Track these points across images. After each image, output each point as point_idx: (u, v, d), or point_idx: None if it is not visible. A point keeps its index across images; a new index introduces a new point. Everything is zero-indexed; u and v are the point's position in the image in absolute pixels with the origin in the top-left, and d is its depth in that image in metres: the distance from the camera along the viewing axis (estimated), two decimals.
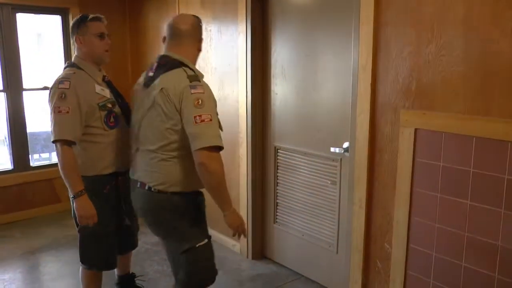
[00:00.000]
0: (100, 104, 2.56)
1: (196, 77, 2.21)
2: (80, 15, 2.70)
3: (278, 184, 3.65)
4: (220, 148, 2.14)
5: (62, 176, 2.46)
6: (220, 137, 2.16)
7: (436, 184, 2.49)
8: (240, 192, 3.88)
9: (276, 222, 3.73)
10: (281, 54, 3.49)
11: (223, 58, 3.91)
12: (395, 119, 2.65)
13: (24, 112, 4.82)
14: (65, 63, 2.74)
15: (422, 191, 2.56)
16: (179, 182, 2.28)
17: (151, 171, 2.30)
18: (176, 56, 2.29)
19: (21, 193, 4.83)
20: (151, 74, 2.31)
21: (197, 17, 2.42)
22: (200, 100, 2.12)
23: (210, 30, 4.01)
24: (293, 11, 3.35)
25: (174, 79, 2.20)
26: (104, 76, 2.70)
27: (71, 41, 2.87)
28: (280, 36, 3.47)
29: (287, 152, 3.53)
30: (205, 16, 4.04)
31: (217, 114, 2.21)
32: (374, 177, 2.82)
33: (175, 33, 2.33)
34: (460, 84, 2.33)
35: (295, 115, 3.43)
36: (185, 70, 2.22)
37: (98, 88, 2.60)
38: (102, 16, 2.70)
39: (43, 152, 6.75)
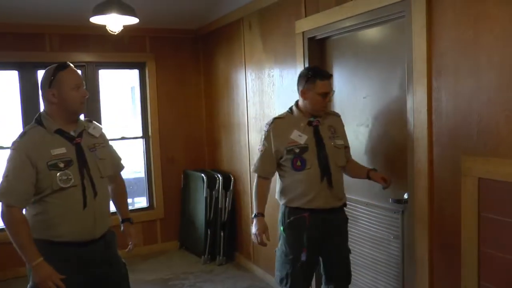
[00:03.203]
0: (288, 149, 2.72)
1: (17, 137, 2.25)
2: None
3: None
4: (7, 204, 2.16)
5: None
6: (12, 194, 2.15)
7: (507, 245, 2.09)
8: None
9: None
10: (339, 97, 3.28)
11: (285, 103, 3.76)
12: (455, 166, 2.30)
13: None
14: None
15: (491, 252, 2.16)
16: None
17: None
18: (41, 111, 2.34)
19: None
20: None
21: (49, 68, 2.29)
22: (8, 157, 2.22)
23: (273, 76, 3.93)
24: (349, 52, 3.18)
25: None
26: (310, 121, 2.75)
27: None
28: (338, 79, 3.28)
29: (349, 202, 3.25)
30: (268, 61, 3.98)
31: (20, 173, 2.17)
32: (436, 234, 2.46)
33: None
34: None
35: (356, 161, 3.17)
36: (29, 127, 2.29)
37: (296, 134, 2.73)
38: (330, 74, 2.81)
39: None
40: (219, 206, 4.81)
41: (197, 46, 5.43)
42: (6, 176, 2.17)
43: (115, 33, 3.72)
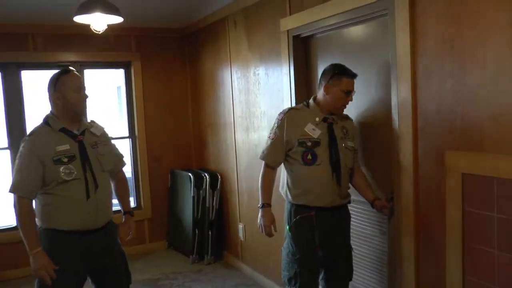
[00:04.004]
0: (300, 141, 2.69)
1: (27, 135, 2.52)
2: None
3: None
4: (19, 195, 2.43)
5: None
6: (22, 187, 2.41)
7: (491, 239, 2.11)
8: None
9: None
10: None
11: (271, 101, 3.80)
12: (440, 162, 2.33)
13: None
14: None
15: (476, 247, 2.19)
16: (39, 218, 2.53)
17: None
18: (48, 112, 2.60)
19: None
20: None
21: (55, 73, 2.57)
22: (18, 154, 2.48)
23: (258, 74, 3.93)
24: (334, 50, 3.19)
25: None
26: (325, 118, 2.73)
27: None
28: None
29: None
30: (253, 59, 3.98)
31: (29, 168, 2.42)
32: (422, 228, 2.49)
33: None
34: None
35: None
36: (37, 127, 2.55)
37: (310, 127, 2.71)
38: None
39: None
40: (207, 205, 4.80)
41: (183, 45, 5.42)
42: (17, 170, 2.45)
43: (100, 33, 3.69)
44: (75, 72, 2.60)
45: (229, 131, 4.55)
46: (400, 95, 2.50)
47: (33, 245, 2.41)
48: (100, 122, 2.80)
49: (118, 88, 9.22)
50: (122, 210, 2.93)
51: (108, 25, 3.69)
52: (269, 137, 2.82)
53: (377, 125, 2.87)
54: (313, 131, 2.70)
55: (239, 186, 4.48)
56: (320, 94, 2.75)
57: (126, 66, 5.19)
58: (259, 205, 2.86)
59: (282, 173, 2.88)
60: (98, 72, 6.34)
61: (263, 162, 2.86)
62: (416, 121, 2.44)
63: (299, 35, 3.36)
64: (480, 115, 2.11)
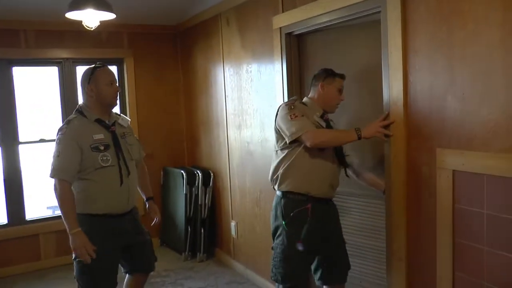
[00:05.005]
0: (316, 126, 2.69)
1: (64, 123, 2.68)
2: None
3: None
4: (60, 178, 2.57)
5: None
6: (63, 170, 2.55)
7: (481, 235, 2.13)
8: None
9: None
10: None
11: (263, 99, 3.80)
12: (431, 159, 2.34)
13: None
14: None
15: (466, 243, 2.20)
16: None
17: None
18: (80, 103, 2.81)
19: None
20: None
21: (89, 67, 2.76)
22: (57, 141, 2.62)
23: (251, 71, 3.93)
24: (326, 48, 3.21)
25: None
26: (323, 114, 2.80)
27: None
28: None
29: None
30: (246, 56, 3.98)
31: (68, 152, 2.57)
32: (413, 225, 2.50)
33: None
34: (501, 117, 2.00)
35: None
36: (72, 117, 2.73)
37: (318, 119, 2.76)
38: None
39: None
40: (199, 203, 4.80)
41: (176, 42, 5.41)
42: (57, 156, 2.58)
43: (92, 29, 3.67)
44: (108, 67, 2.80)
45: (221, 128, 4.55)
46: (392, 92, 2.51)
47: (72, 225, 2.55)
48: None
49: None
50: (144, 197, 3.19)
51: (101, 22, 3.67)
52: (293, 116, 2.64)
53: (369, 122, 2.86)
54: (321, 122, 2.76)
55: (231, 184, 4.48)
56: (316, 93, 2.81)
57: (118, 63, 5.17)
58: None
59: (275, 162, 2.78)
60: None
61: (303, 136, 2.59)
62: (407, 119, 2.46)
63: (291, 32, 3.37)
64: (471, 113, 2.12)
